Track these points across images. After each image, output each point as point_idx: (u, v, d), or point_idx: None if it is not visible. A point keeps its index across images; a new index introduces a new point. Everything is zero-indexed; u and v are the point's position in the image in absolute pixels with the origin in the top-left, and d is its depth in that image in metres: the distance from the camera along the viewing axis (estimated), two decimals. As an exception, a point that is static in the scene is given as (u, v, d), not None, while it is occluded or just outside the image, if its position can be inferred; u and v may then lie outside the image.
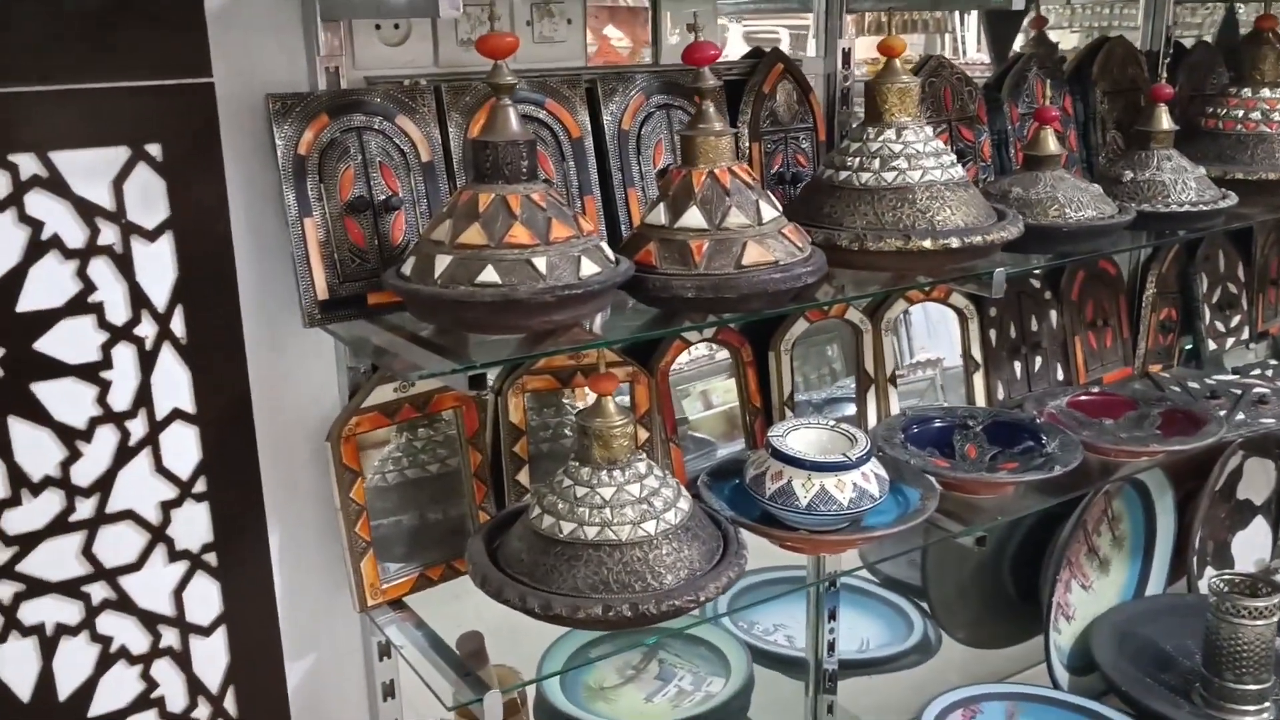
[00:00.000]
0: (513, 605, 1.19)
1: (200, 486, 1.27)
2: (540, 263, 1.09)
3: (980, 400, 1.82)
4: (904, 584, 2.10)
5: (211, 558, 1.29)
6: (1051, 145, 1.57)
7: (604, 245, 1.17)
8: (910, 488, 1.47)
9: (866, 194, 1.35)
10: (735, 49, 1.77)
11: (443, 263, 1.10)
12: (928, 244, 1.31)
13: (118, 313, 1.19)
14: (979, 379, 1.83)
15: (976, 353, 1.82)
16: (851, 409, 1.73)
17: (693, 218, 1.21)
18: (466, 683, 1.23)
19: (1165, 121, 1.69)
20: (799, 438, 1.41)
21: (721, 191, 1.22)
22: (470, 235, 1.10)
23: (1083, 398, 1.85)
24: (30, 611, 1.20)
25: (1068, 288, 1.95)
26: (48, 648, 1.22)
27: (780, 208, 1.26)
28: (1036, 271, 1.87)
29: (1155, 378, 2.05)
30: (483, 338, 1.18)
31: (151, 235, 1.19)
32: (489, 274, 1.08)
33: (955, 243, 1.32)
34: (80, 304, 1.17)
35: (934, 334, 1.83)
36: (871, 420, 1.72)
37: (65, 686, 1.24)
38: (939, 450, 1.64)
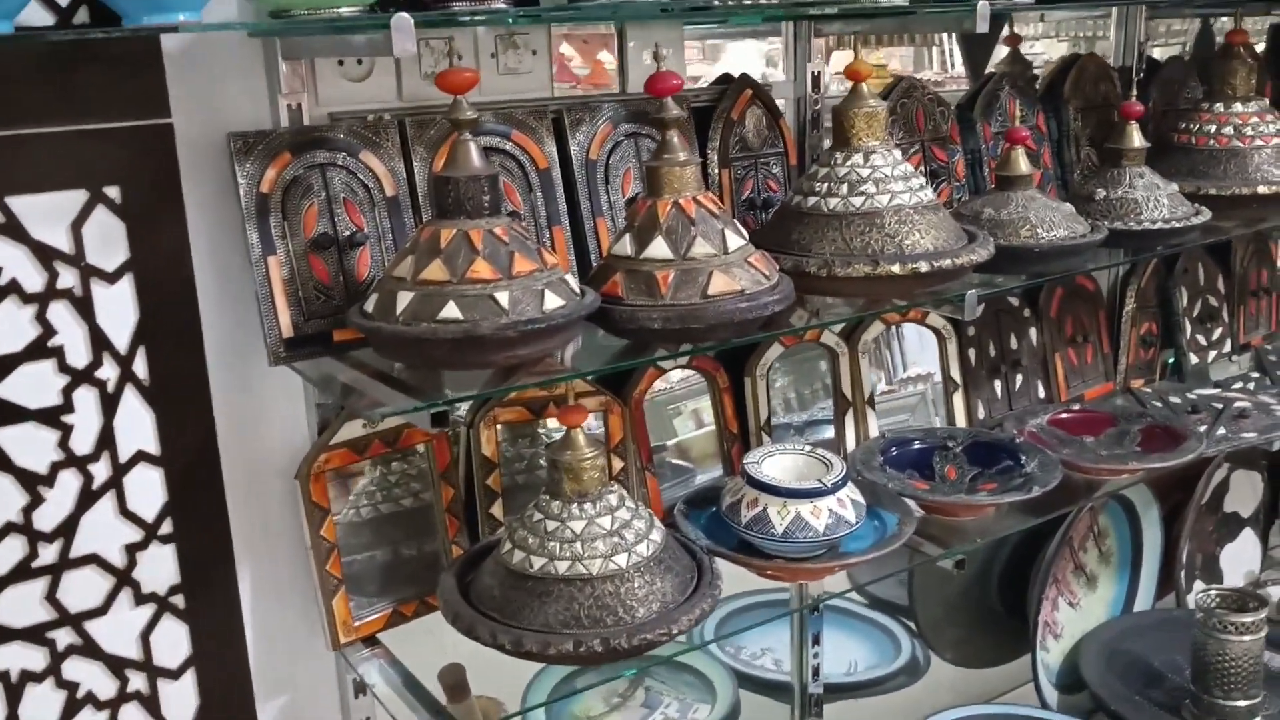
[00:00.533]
0: (484, 642, 1.17)
1: (166, 528, 1.26)
2: (503, 297, 1.09)
3: (961, 420, 1.82)
4: (891, 604, 2.09)
5: (179, 600, 1.28)
6: (1022, 166, 1.57)
7: (569, 278, 1.17)
8: (888, 512, 1.46)
9: (835, 219, 1.34)
10: (735, 64, 1.76)
11: (405, 299, 1.09)
12: (896, 269, 1.30)
13: (78, 356, 1.18)
14: (959, 399, 1.82)
15: (956, 373, 1.81)
16: (831, 431, 1.72)
17: (658, 248, 1.21)
18: (440, 720, 1.22)
19: (1136, 139, 1.69)
20: (774, 464, 1.41)
21: (687, 221, 1.22)
22: (432, 271, 1.10)
23: (1063, 415, 1.84)
24: (-5, 659, 1.19)
25: (1047, 305, 1.94)
26: (13, 695, 1.20)
27: (747, 236, 1.26)
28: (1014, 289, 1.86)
29: (1137, 393, 2.04)
30: (449, 372, 1.17)
31: (111, 278, 1.19)
32: (450, 310, 1.08)
33: (924, 267, 1.31)
34: (40, 348, 1.16)
35: (926, 348, 1.82)
36: (851, 443, 1.71)
37: (32, 734, 1.23)
38: (919, 472, 1.63)
